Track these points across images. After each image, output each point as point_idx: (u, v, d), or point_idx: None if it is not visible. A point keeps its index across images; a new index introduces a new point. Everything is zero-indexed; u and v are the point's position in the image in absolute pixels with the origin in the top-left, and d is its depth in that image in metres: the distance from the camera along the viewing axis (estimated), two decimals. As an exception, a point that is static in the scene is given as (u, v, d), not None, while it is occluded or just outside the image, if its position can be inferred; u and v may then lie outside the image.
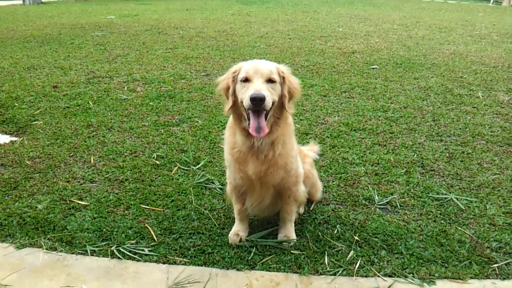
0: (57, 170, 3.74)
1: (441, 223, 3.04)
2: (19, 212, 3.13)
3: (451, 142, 4.31)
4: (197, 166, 3.80)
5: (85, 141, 4.29)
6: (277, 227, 2.90)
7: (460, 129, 4.62)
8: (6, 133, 4.58)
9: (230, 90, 2.51)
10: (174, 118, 4.88)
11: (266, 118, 2.38)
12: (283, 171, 2.60)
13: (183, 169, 3.78)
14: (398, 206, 3.23)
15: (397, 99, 5.54)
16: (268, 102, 2.33)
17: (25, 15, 14.44)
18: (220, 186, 3.49)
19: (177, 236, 2.88)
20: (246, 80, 2.41)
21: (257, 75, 2.39)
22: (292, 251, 2.72)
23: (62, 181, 3.56)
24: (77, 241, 2.81)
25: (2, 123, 4.79)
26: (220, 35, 10.11)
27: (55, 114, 5.01)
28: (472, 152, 4.09)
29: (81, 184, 3.52)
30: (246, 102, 2.32)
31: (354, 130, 4.57)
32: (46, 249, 2.75)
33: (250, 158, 2.54)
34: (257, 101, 2.28)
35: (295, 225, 2.89)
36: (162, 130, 4.57)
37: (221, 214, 3.14)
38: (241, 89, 2.42)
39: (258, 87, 2.33)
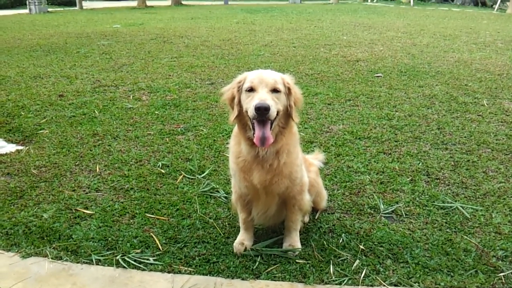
0: (63, 179, 3.76)
1: (446, 231, 3.02)
2: (25, 221, 3.14)
3: (456, 150, 4.30)
4: (202, 175, 3.81)
5: (90, 150, 4.31)
6: (282, 236, 2.89)
7: (465, 137, 4.61)
8: (12, 142, 4.61)
9: (236, 100, 2.52)
10: (179, 127, 4.91)
11: (271, 128, 2.39)
12: (288, 180, 2.61)
13: (188, 177, 3.79)
14: (404, 214, 3.22)
15: (402, 107, 5.54)
16: (273, 112, 2.33)
17: (31, 24, 14.58)
18: (225, 195, 3.49)
19: (182, 245, 2.88)
20: (251, 89, 2.42)
21: (262, 85, 2.40)
22: (297, 260, 2.71)
23: (68, 190, 3.58)
24: (83, 250, 2.82)
25: (8, 132, 4.83)
26: (225, 44, 10.16)
27: (61, 123, 5.04)
28: (478, 160, 4.08)
29: (86, 193, 3.54)
30: (251, 112, 2.33)
31: (359, 138, 4.57)
32: (52, 258, 2.76)
33: (255, 167, 2.55)
34: (262, 111, 2.29)
35: (300, 234, 2.89)
36: (167, 139, 4.59)
37: (226, 223, 3.14)
38: (246, 99, 2.43)
39: (263, 96, 2.34)
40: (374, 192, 3.51)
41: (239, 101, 2.51)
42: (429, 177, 3.77)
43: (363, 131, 4.74)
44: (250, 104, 2.36)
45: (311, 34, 11.83)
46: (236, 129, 2.63)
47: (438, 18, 16.50)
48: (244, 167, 2.58)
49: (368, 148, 4.33)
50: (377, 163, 4.01)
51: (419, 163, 4.02)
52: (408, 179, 3.72)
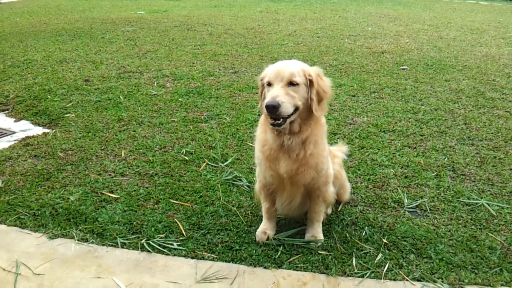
0: (89, 163, 3.82)
1: (471, 228, 2.99)
2: (52, 203, 3.21)
3: (483, 146, 4.22)
4: (225, 163, 3.82)
5: (116, 135, 4.36)
6: (304, 227, 2.90)
7: (492, 133, 4.52)
8: (39, 125, 4.70)
9: (260, 94, 2.62)
10: (203, 115, 4.93)
11: (285, 121, 2.39)
12: (314, 171, 2.60)
13: (211, 165, 3.81)
14: (428, 210, 3.18)
15: (428, 101, 5.45)
16: (286, 108, 2.32)
17: (57, 8, 14.73)
18: (247, 183, 3.51)
19: (205, 232, 2.91)
20: (269, 84, 2.43)
21: (277, 79, 2.40)
22: (319, 252, 2.72)
23: (94, 173, 3.64)
24: (108, 233, 2.87)
25: (35, 114, 4.92)
26: (248, 33, 10.11)
27: (86, 107, 5.11)
28: (504, 157, 4.00)
29: (112, 177, 3.59)
30: (264, 110, 2.36)
31: (384, 131, 4.52)
32: (78, 240, 2.82)
33: (282, 156, 2.55)
34: (271, 109, 2.29)
35: (322, 226, 2.89)
36: (191, 126, 4.61)
37: (249, 211, 3.16)
38: (267, 94, 2.45)
39: (274, 94, 2.34)
40: (398, 186, 3.48)
41: (263, 95, 2.56)
42: (454, 173, 3.72)
43: (387, 124, 4.69)
44: (264, 102, 2.38)
45: (335, 24, 11.69)
46: (263, 117, 2.64)
47: (465, 11, 16.11)
48: (270, 155, 2.58)
49: (393, 142, 4.28)
50: (402, 157, 3.96)
51: (445, 158, 3.96)
52: (433, 174, 3.67)
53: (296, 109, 2.40)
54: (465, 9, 16.78)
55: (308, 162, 2.54)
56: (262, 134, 2.62)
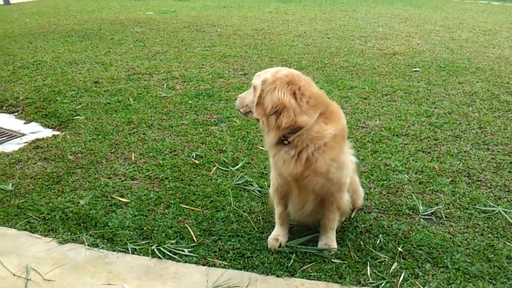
0: (99, 166, 3.79)
1: (488, 237, 2.92)
2: (62, 207, 3.19)
3: (499, 151, 4.14)
4: (236, 167, 3.78)
5: (126, 138, 4.34)
6: (317, 234, 2.84)
7: (507, 137, 4.43)
8: (48, 127, 4.68)
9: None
10: (213, 117, 4.89)
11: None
12: (323, 179, 2.53)
13: (222, 169, 3.77)
14: (444, 217, 3.12)
15: (441, 104, 5.37)
16: (236, 102, 2.75)
17: (66, 9, 14.77)
18: (258, 188, 3.46)
19: (216, 238, 2.86)
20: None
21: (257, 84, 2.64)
22: (333, 260, 2.67)
23: (104, 177, 3.61)
24: (118, 239, 2.84)
25: (45, 116, 4.90)
26: (258, 34, 10.07)
27: (96, 109, 5.09)
28: (521, 162, 3.92)
29: (122, 181, 3.56)
30: None
31: (397, 135, 4.45)
32: (88, 245, 2.79)
33: (284, 158, 2.53)
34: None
35: (336, 233, 2.83)
36: (200, 129, 4.57)
37: (260, 217, 3.11)
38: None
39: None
40: (413, 192, 3.41)
41: None
42: (470, 179, 3.65)
43: (400, 127, 4.62)
44: None
45: (345, 25, 11.60)
46: None
47: (477, 11, 15.94)
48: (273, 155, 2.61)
49: (406, 146, 4.21)
50: (416, 162, 3.89)
51: (460, 163, 3.89)
52: (448, 180, 3.60)
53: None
54: (477, 9, 16.61)
55: (315, 168, 2.47)
56: None
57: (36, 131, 4.59)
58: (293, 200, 2.72)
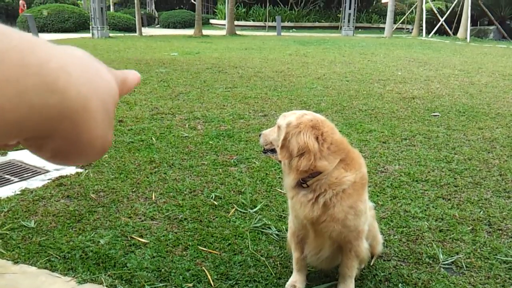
0: (120, 205, 3.86)
1: (511, 288, 2.84)
2: (82, 246, 3.23)
3: (521, 199, 4.08)
4: (254, 209, 3.80)
5: (147, 177, 4.42)
6: (336, 282, 2.81)
7: (530, 186, 4.37)
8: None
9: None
10: (232, 158, 4.95)
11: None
12: (340, 225, 2.53)
13: (240, 211, 3.79)
14: (464, 267, 3.06)
15: (461, 149, 5.35)
16: (261, 138, 2.80)
17: (94, 48, 15.35)
18: (276, 232, 3.46)
19: (234, 283, 2.86)
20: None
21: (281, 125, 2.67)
22: (351, 309, 2.62)
23: (124, 216, 3.66)
24: (136, 280, 2.85)
25: (70, 154, 5.02)
26: (278, 75, 10.27)
27: (119, 148, 5.21)
28: (544, 212, 3.85)
29: (142, 220, 3.61)
30: None
31: (416, 180, 4.43)
32: (107, 286, 2.80)
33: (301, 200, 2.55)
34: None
35: (355, 281, 2.80)
36: (220, 170, 4.63)
37: (278, 262, 3.10)
38: None
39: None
40: (433, 240, 3.37)
41: None
42: (490, 227, 3.59)
43: (420, 173, 4.60)
44: None
45: (364, 68, 11.76)
46: None
47: (496, 56, 16.00)
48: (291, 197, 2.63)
49: (426, 192, 4.18)
50: (436, 208, 3.86)
51: (480, 211, 3.84)
52: (469, 228, 3.55)
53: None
54: (496, 53, 16.67)
55: (332, 214, 2.48)
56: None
57: (60, 168, 4.70)
58: (310, 244, 2.72)
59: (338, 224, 2.52)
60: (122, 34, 27.22)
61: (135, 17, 28.65)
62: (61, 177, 4.42)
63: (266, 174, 4.56)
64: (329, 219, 2.50)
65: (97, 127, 0.52)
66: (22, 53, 0.44)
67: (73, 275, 2.91)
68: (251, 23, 36.73)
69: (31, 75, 0.44)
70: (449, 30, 28.08)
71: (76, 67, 0.50)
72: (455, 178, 4.50)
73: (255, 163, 4.84)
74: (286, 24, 35.12)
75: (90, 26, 24.38)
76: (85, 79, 0.50)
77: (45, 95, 0.45)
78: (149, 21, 39.25)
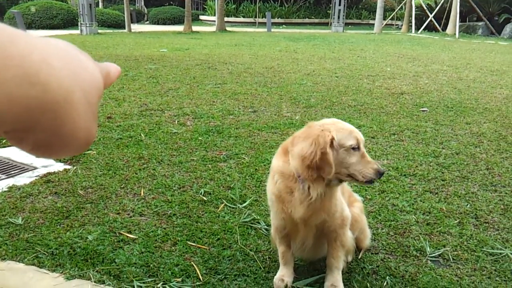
0: (108, 201, 3.84)
1: (496, 280, 2.88)
2: (70, 242, 3.22)
3: (506, 193, 4.13)
4: (243, 205, 3.81)
5: (136, 173, 4.40)
6: (324, 275, 2.83)
7: (516, 179, 4.43)
8: (60, 161, 4.77)
9: (330, 157, 2.34)
10: (222, 154, 4.95)
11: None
12: (325, 214, 2.56)
13: (229, 206, 3.79)
14: (451, 259, 3.09)
15: (449, 144, 5.40)
16: None
17: (82, 44, 15.21)
18: (265, 226, 3.47)
19: (222, 277, 2.86)
20: (354, 148, 2.41)
21: (362, 144, 2.46)
22: (339, 301, 2.64)
23: (113, 212, 3.65)
24: (125, 276, 2.85)
25: (58, 151, 4.99)
26: (268, 72, 10.27)
27: (108, 144, 5.19)
28: (530, 205, 3.90)
29: (130, 216, 3.60)
30: (370, 175, 2.40)
31: (404, 175, 4.47)
32: (95, 281, 2.80)
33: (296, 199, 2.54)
34: (381, 176, 2.46)
35: (342, 274, 2.82)
36: (209, 166, 4.63)
37: (267, 256, 3.11)
38: (350, 158, 2.40)
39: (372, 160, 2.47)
40: (420, 234, 3.40)
41: (340, 160, 2.41)
42: (477, 220, 3.63)
43: (408, 167, 4.64)
44: (362, 166, 2.40)
45: (354, 64, 11.80)
46: (280, 161, 2.59)
47: (484, 51, 16.14)
48: (282, 197, 2.56)
49: (414, 186, 4.22)
50: (423, 202, 3.89)
51: (467, 204, 3.88)
52: (455, 222, 3.59)
53: None
54: (484, 49, 16.81)
55: (322, 205, 2.51)
56: (272, 181, 2.61)
57: (47, 164, 4.67)
58: (296, 238, 2.73)
59: (324, 213, 2.54)
60: (111, 31, 27.03)
61: (124, 14, 28.43)
62: (49, 173, 4.39)
63: (256, 169, 4.56)
64: (319, 211, 2.52)
65: (80, 119, 0.52)
66: (3, 44, 0.44)
67: (61, 271, 2.89)
68: (241, 19, 36.63)
69: (12, 66, 0.44)
70: (438, 26, 28.24)
71: (59, 59, 0.50)
72: (442, 172, 4.55)
73: (244, 158, 4.84)
74: (276, 20, 35.07)
75: (79, 23, 24.14)
76: (68, 70, 0.50)
77: (26, 87, 0.45)
78: (138, 18, 38.97)
